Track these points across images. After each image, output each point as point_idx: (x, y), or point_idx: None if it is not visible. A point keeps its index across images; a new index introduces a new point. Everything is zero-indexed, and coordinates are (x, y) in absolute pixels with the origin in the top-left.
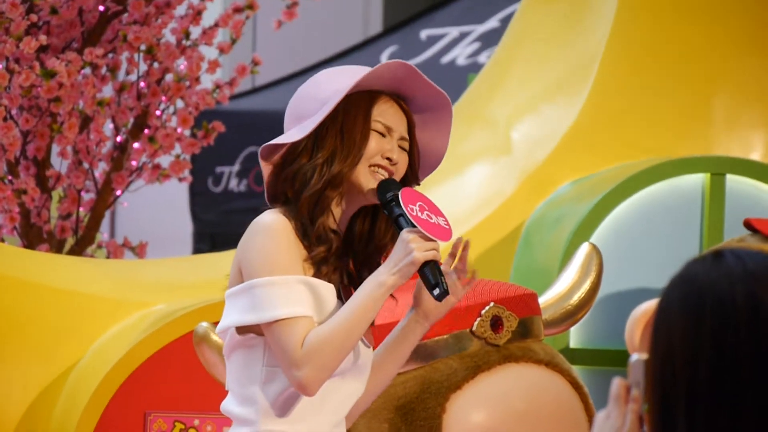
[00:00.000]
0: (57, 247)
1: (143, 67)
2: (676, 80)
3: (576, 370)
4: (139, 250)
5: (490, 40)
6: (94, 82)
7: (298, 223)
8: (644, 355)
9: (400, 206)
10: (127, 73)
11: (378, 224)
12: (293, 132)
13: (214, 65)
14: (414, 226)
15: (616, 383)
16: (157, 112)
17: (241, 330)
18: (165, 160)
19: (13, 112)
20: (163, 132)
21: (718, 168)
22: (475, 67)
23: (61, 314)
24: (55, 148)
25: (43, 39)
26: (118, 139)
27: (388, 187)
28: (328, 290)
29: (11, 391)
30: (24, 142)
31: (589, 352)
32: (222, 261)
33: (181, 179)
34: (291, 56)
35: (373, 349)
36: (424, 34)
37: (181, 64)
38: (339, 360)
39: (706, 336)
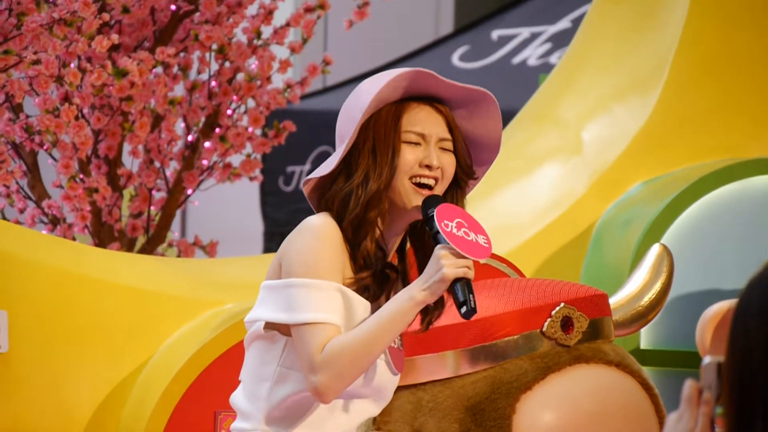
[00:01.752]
0: (128, 246)
1: (214, 66)
2: (748, 81)
3: (646, 372)
4: (210, 249)
5: (561, 40)
6: (166, 81)
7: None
8: (717, 358)
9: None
10: (199, 72)
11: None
12: (327, 163)
13: (285, 65)
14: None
15: (688, 385)
16: (228, 112)
17: (268, 326)
18: (236, 160)
19: (85, 110)
20: (234, 131)
21: None
22: (546, 68)
23: (131, 313)
24: (127, 147)
25: (114, 38)
26: (189, 138)
27: (430, 203)
28: (362, 306)
29: (81, 390)
30: (95, 141)
31: (659, 353)
32: None
33: (251, 178)
34: (362, 56)
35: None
36: (496, 34)
37: (253, 63)
38: (358, 370)
39: None
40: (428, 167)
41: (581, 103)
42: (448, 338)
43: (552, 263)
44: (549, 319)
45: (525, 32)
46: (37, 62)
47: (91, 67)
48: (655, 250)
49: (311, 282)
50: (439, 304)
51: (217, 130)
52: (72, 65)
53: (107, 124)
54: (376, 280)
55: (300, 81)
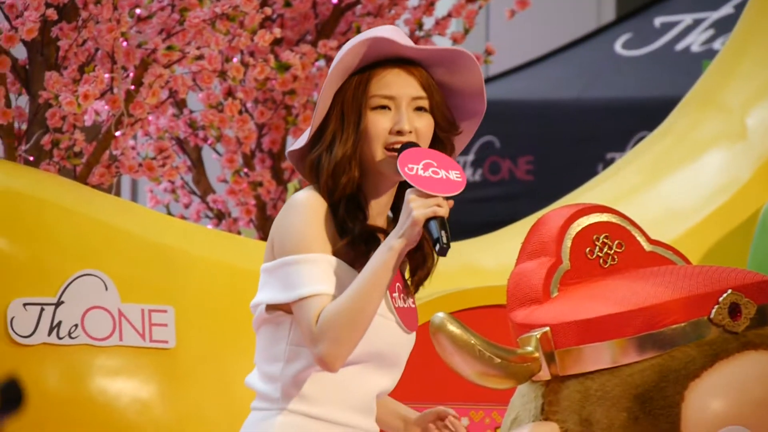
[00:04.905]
0: None
1: None
2: None
3: None
4: None
5: (724, 26)
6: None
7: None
8: None
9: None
10: None
11: None
12: (305, 134)
13: None
14: None
15: None
16: None
17: (270, 307)
18: None
19: (249, 105)
20: None
21: None
22: (709, 54)
23: None
24: (291, 141)
25: (277, 32)
26: None
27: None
28: (350, 273)
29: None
30: (259, 135)
31: None
32: (461, 250)
33: None
34: (524, 45)
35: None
36: (658, 21)
37: None
38: (355, 331)
39: None
40: (399, 133)
41: (745, 88)
42: (614, 327)
43: (718, 250)
44: (716, 306)
45: (688, 19)
46: (200, 57)
47: (253, 61)
48: None
49: (301, 257)
50: (422, 262)
51: None
52: (235, 60)
53: (271, 118)
54: (358, 244)
55: None
